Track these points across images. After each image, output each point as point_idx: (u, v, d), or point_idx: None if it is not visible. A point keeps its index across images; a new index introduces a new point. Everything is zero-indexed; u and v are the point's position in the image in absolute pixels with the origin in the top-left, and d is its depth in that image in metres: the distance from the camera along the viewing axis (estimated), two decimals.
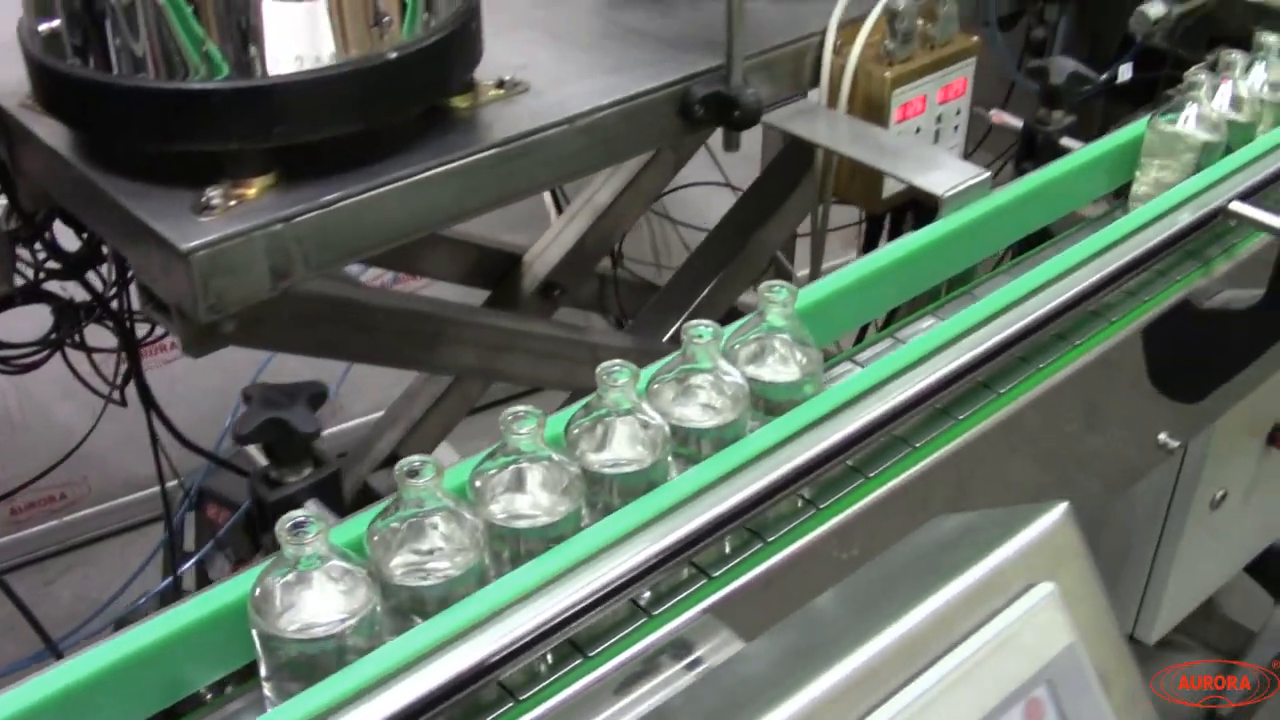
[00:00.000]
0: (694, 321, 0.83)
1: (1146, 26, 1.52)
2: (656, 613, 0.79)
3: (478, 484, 0.77)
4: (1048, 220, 1.28)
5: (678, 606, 0.80)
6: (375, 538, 0.73)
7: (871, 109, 1.38)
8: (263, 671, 0.72)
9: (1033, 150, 1.41)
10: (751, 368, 0.87)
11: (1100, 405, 1.29)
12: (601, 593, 0.71)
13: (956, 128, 1.47)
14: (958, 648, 0.78)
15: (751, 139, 1.46)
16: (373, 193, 1.10)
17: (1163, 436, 1.41)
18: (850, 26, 1.38)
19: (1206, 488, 2.11)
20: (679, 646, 0.79)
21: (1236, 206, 1.29)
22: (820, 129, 1.35)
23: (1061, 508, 0.90)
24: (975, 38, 1.44)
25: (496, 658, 0.68)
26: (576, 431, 0.80)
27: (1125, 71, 1.60)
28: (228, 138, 1.04)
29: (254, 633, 0.70)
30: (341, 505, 0.93)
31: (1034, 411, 1.14)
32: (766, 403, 0.87)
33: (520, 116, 1.21)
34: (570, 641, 0.75)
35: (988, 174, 1.24)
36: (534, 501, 0.76)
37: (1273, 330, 1.29)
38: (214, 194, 1.04)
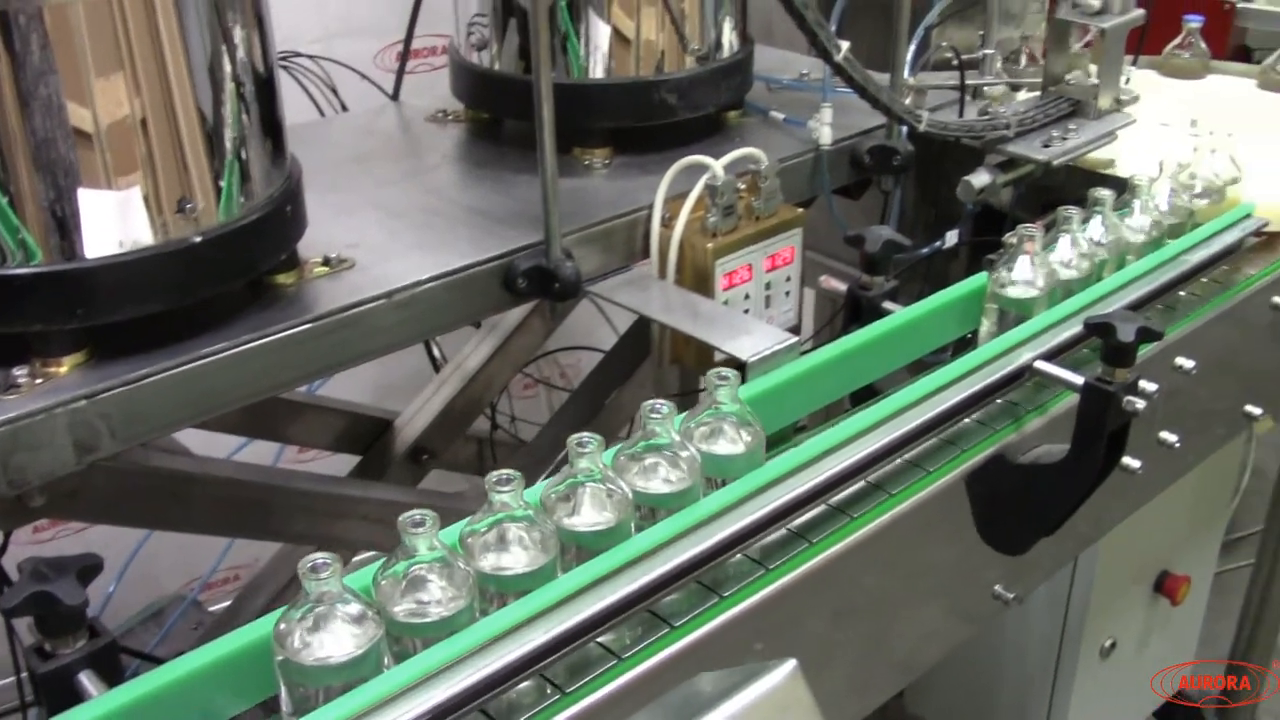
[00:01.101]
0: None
1: (972, 195, 1.60)
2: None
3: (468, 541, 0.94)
4: (854, 385, 1.34)
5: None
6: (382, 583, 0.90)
7: (698, 278, 1.44)
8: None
9: (858, 314, 1.47)
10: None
11: (928, 556, 1.32)
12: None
13: (788, 293, 1.53)
14: None
15: None
16: (185, 367, 1.15)
17: (998, 588, 1.44)
18: (676, 200, 1.46)
19: (1094, 637, 2.12)
20: None
21: (1040, 365, 1.35)
22: (643, 298, 1.40)
23: (789, 665, 0.93)
24: (800, 209, 1.51)
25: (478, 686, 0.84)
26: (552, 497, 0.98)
27: (952, 237, 1.67)
28: (31, 320, 1.08)
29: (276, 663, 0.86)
30: (119, 676, 0.94)
31: (857, 557, 1.17)
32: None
33: (341, 291, 1.27)
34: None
35: (794, 340, 1.30)
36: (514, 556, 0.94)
37: (1081, 483, 1.33)
38: (20, 373, 1.09)
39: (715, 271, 1.43)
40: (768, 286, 1.50)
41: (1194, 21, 2.23)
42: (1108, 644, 2.16)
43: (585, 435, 0.98)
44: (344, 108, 1.87)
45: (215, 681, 0.91)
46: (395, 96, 1.82)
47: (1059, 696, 2.18)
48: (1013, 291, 1.43)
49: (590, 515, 0.98)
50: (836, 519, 1.17)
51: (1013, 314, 1.45)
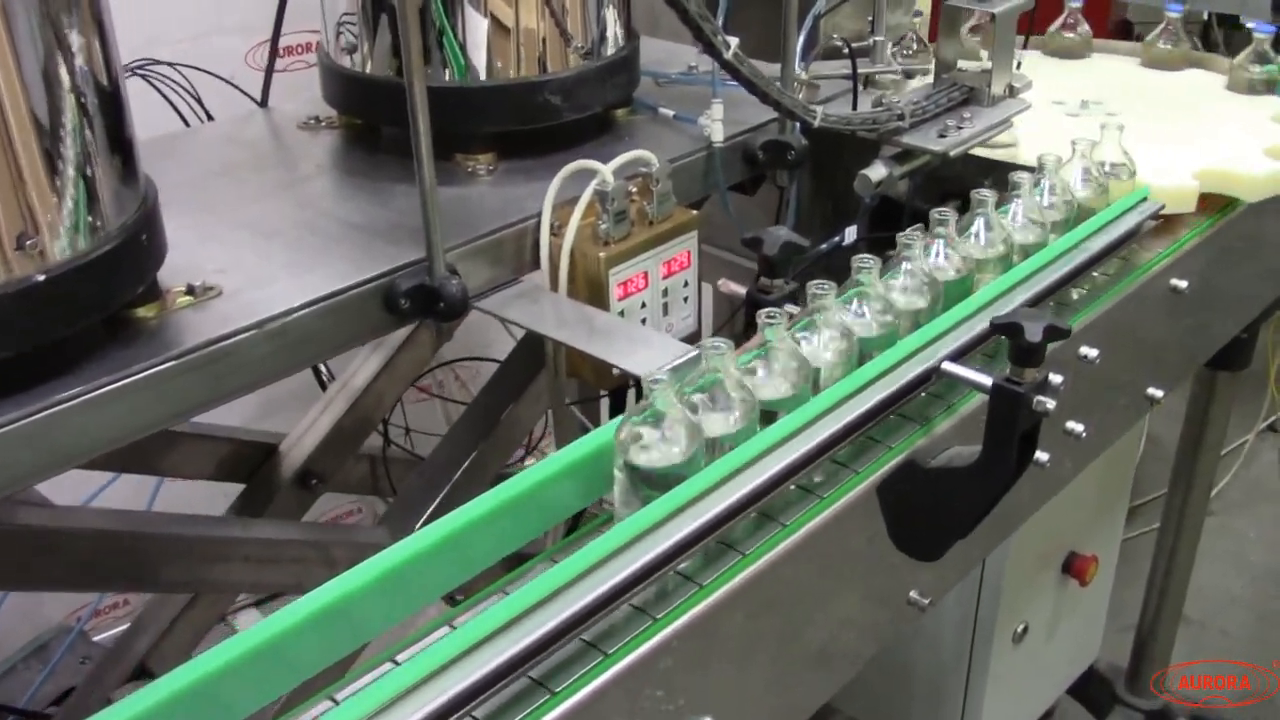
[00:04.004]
0: None
1: (869, 189, 1.56)
2: None
3: None
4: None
5: None
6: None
7: (592, 289, 1.37)
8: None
9: (755, 320, 1.41)
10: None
11: (843, 563, 1.28)
12: None
13: (686, 299, 1.47)
14: None
15: None
16: (35, 417, 1.05)
17: (914, 594, 1.41)
18: (565, 207, 1.39)
19: (1006, 621, 2.11)
20: None
21: (948, 366, 1.31)
22: (535, 313, 1.33)
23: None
24: (695, 212, 1.45)
25: None
26: None
27: (851, 234, 1.63)
28: None
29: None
30: None
31: (778, 570, 1.12)
32: None
33: (208, 323, 1.18)
34: None
35: (694, 351, 1.24)
36: None
37: (994, 486, 1.29)
38: None
39: (609, 281, 1.36)
40: (665, 293, 1.44)
41: (1075, 1, 2.22)
42: (1020, 629, 2.15)
43: None
44: (209, 116, 1.75)
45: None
46: (264, 103, 1.72)
47: (974, 683, 2.17)
48: (901, 301, 1.39)
49: None
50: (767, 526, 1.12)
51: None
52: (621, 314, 1.39)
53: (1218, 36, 2.12)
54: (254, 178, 1.49)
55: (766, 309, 1.22)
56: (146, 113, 1.71)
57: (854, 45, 1.78)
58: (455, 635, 0.87)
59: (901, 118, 1.57)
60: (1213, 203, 1.78)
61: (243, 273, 1.25)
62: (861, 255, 1.34)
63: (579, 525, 1.23)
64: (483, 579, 1.05)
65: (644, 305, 1.42)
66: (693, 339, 1.49)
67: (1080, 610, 2.33)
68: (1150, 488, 3.23)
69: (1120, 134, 1.68)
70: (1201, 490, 2.47)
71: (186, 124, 1.75)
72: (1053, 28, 2.27)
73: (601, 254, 1.35)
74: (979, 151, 1.75)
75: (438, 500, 1.57)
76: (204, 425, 1.72)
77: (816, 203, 1.77)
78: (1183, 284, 1.70)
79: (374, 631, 0.94)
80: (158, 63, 1.69)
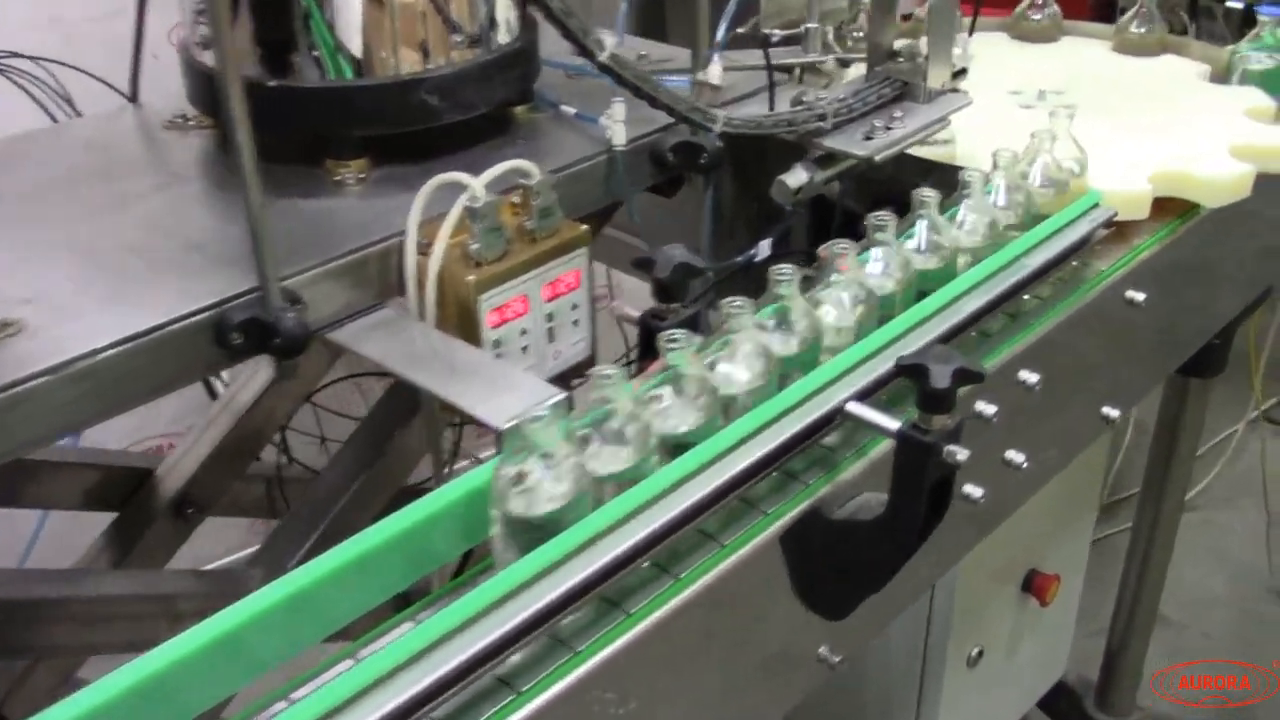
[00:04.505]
0: None
1: (788, 196, 1.41)
2: None
3: None
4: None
5: None
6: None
7: (462, 316, 1.23)
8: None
9: (651, 347, 1.27)
10: None
11: (743, 619, 1.14)
12: None
13: (576, 322, 1.33)
14: None
15: None
16: None
17: (823, 650, 1.27)
18: (434, 224, 1.24)
19: (960, 645, 1.98)
20: None
21: (853, 408, 1.16)
22: (391, 347, 1.19)
23: None
24: (584, 227, 1.31)
25: None
26: None
27: (765, 248, 1.48)
28: None
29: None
30: None
31: (671, 627, 1.00)
32: None
33: (3, 365, 1.04)
34: None
35: (561, 395, 1.10)
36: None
37: (904, 541, 1.15)
38: None
39: (480, 308, 1.22)
40: (550, 318, 1.30)
41: None
42: (975, 652, 2.02)
43: None
44: (77, 113, 1.61)
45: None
46: (134, 98, 1.57)
47: (926, 710, 2.05)
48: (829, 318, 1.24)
49: None
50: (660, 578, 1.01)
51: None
52: (497, 343, 1.25)
53: (1185, 20, 1.96)
54: (96, 187, 1.35)
55: (668, 332, 1.08)
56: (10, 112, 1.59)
57: (783, 32, 1.63)
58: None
59: (823, 118, 1.41)
60: (1175, 207, 1.63)
61: (53, 305, 1.11)
62: (780, 266, 1.20)
63: (465, 567, 1.11)
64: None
65: (524, 332, 1.27)
66: (585, 366, 1.35)
67: (1043, 628, 2.20)
68: (1135, 480, 3.09)
69: (1070, 123, 1.53)
70: (1175, 499, 2.33)
71: (55, 121, 1.61)
72: (1019, 8, 2.10)
73: (470, 278, 1.21)
74: (915, 150, 1.60)
75: (313, 538, 1.43)
76: (68, 450, 1.59)
77: (741, 206, 1.62)
78: (1139, 296, 1.55)
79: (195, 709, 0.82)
80: (18, 55, 1.54)
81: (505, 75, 1.41)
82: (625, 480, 1.04)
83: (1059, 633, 2.29)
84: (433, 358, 1.17)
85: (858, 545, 1.18)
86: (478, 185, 1.22)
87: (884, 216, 1.28)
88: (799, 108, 1.43)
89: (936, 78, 1.52)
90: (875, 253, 1.29)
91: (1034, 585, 2.09)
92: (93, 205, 1.31)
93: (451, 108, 1.36)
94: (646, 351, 1.31)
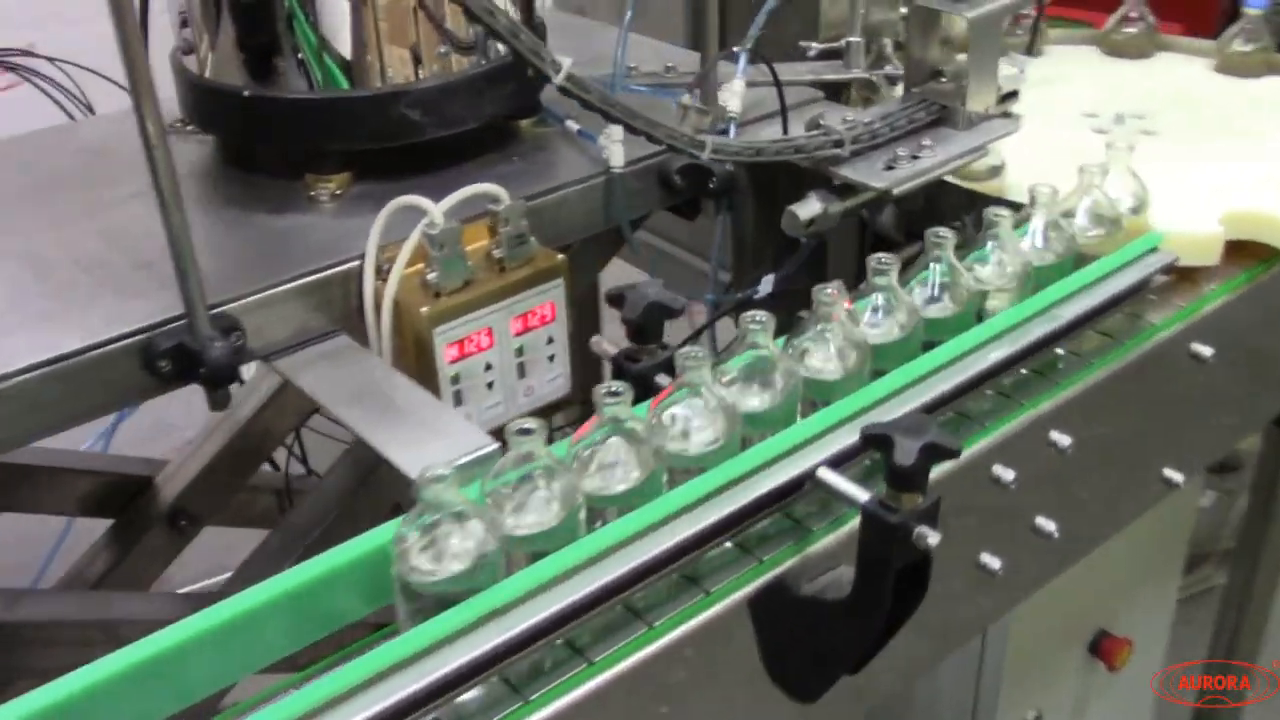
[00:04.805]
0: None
1: (799, 229, 1.29)
2: None
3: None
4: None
5: None
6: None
7: (419, 349, 1.15)
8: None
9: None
10: None
11: (706, 692, 1.04)
12: None
13: (552, 357, 1.23)
14: None
15: None
16: None
17: None
18: (397, 248, 1.16)
19: (1013, 704, 1.83)
20: None
21: (824, 475, 1.05)
22: (330, 379, 1.12)
23: None
24: (560, 256, 1.21)
25: None
26: None
27: (767, 284, 1.36)
28: None
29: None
30: None
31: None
32: None
33: None
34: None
35: (491, 447, 1.01)
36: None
37: (872, 627, 1.03)
38: None
39: (435, 341, 1.14)
40: (520, 352, 1.21)
41: None
42: (1032, 716, 1.87)
43: None
44: (90, 110, 1.58)
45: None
46: None
47: None
48: (814, 363, 1.13)
49: None
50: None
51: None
52: (456, 378, 1.16)
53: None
54: (73, 193, 1.31)
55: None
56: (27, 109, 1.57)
57: (820, 46, 1.51)
58: None
59: (840, 144, 1.29)
60: (1253, 252, 1.45)
61: None
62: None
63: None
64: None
65: (489, 368, 1.19)
66: (565, 404, 1.26)
67: (1113, 695, 2.02)
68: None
69: (1129, 155, 1.37)
70: (1271, 568, 2.12)
71: (72, 119, 1.58)
72: (1111, 21, 1.93)
73: (424, 309, 1.13)
74: (958, 180, 1.46)
75: (292, 561, 1.37)
76: (69, 454, 1.57)
77: (764, 233, 1.50)
78: (1206, 351, 1.39)
79: None
80: (33, 54, 1.52)
81: (499, 88, 1.32)
82: (546, 544, 0.95)
83: (1133, 702, 2.11)
84: (372, 394, 1.09)
85: (827, 625, 1.07)
86: (436, 211, 1.14)
87: (886, 259, 1.15)
88: (815, 132, 1.31)
89: (979, 101, 1.38)
90: (875, 299, 1.17)
91: (1102, 648, 1.93)
92: (61, 213, 1.27)
93: (435, 123, 1.27)
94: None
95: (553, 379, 1.24)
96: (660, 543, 0.97)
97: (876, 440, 0.98)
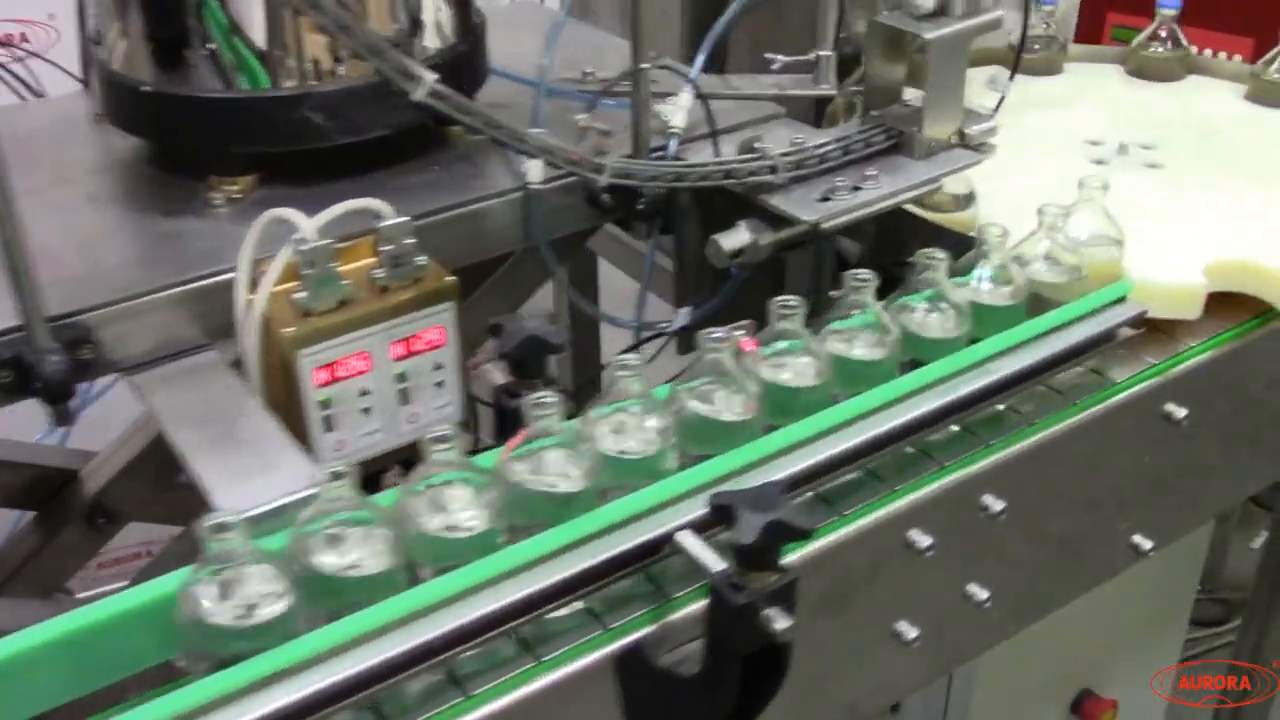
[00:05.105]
0: None
1: (722, 259, 1.19)
2: None
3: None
4: None
5: None
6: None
7: (285, 372, 1.08)
8: None
9: (505, 424, 1.10)
10: None
11: None
12: None
13: (441, 384, 1.16)
14: None
15: None
16: None
17: None
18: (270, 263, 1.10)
19: None
20: None
21: (683, 539, 0.95)
22: (180, 400, 1.05)
23: None
24: (451, 278, 1.13)
25: None
26: None
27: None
28: None
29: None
30: None
31: None
32: None
33: None
34: None
35: (305, 493, 0.93)
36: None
37: (721, 708, 0.94)
38: None
39: (301, 364, 1.07)
40: (402, 378, 1.13)
41: (1168, 8, 1.73)
42: None
43: None
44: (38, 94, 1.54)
45: None
46: (87, 83, 1.48)
47: None
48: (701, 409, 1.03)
49: None
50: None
51: None
52: (326, 403, 1.09)
53: None
54: None
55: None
56: None
57: (786, 59, 1.40)
58: None
59: (773, 170, 1.19)
60: (1252, 306, 1.32)
61: None
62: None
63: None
64: None
65: (365, 393, 1.11)
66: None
67: None
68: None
69: (1104, 194, 1.25)
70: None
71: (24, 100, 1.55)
72: (1140, 37, 1.78)
73: (289, 330, 1.06)
74: (920, 211, 1.35)
75: None
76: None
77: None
78: (1180, 412, 1.26)
79: None
80: None
81: None
82: (359, 597, 0.88)
83: None
84: (218, 418, 1.02)
85: (681, 702, 0.98)
86: (309, 226, 1.07)
87: (791, 301, 1.05)
88: (749, 155, 1.20)
89: (939, 128, 1.26)
90: (779, 344, 1.07)
91: (1084, 709, 1.81)
92: None
93: (341, 128, 1.20)
94: (504, 431, 1.13)
95: (441, 406, 1.17)
96: (486, 603, 0.89)
97: (720, 509, 0.89)
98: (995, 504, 1.14)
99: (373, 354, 1.11)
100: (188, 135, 1.21)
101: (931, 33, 1.20)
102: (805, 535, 0.87)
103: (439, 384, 1.16)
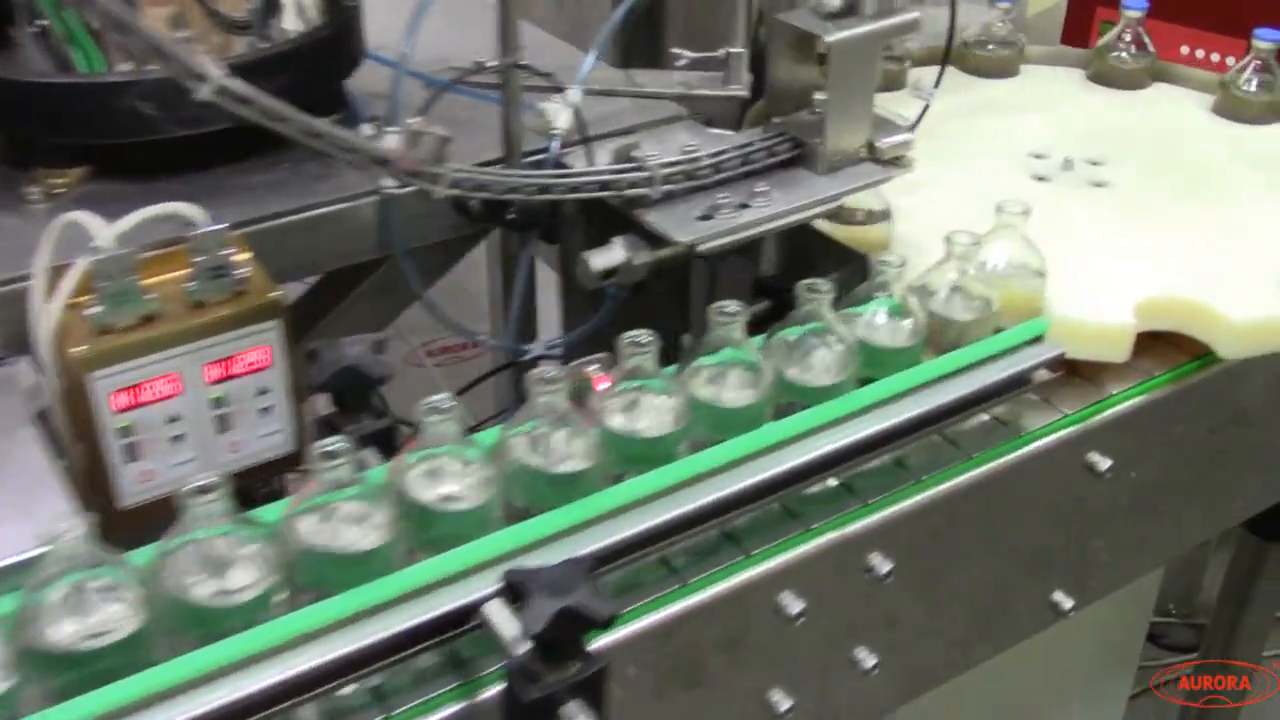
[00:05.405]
0: None
1: (591, 280, 1.07)
2: None
3: None
4: None
5: None
6: None
7: (78, 393, 0.96)
8: None
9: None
10: None
11: None
12: None
13: (267, 409, 1.04)
14: None
15: None
16: None
17: None
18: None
19: None
20: None
21: (490, 611, 0.84)
22: None
23: None
24: (277, 292, 1.01)
25: None
26: None
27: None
28: None
29: None
30: None
31: None
32: None
33: None
34: None
35: (42, 549, 0.82)
36: None
37: None
38: None
39: (94, 387, 0.95)
40: (219, 403, 1.01)
41: (1134, 9, 1.59)
42: None
43: None
44: None
45: None
46: None
47: None
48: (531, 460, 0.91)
49: None
50: None
51: None
52: (126, 429, 0.98)
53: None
54: None
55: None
56: None
57: (694, 55, 1.27)
58: None
59: (649, 182, 1.06)
60: (1193, 348, 1.19)
61: None
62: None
63: None
64: None
65: (174, 420, 1.00)
66: (288, 463, 1.06)
67: None
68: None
69: (1024, 221, 1.12)
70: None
71: None
72: (1102, 41, 1.65)
73: (79, 350, 0.94)
74: (826, 227, 1.22)
75: None
76: None
77: None
78: (1104, 463, 1.14)
79: None
80: None
81: (265, 82, 1.11)
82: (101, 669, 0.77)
83: None
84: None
85: None
86: (107, 234, 0.95)
87: (642, 338, 0.93)
88: (625, 165, 1.08)
89: (844, 140, 1.13)
90: (631, 393, 0.95)
91: None
92: None
93: (172, 120, 1.08)
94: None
95: (269, 434, 1.05)
96: (254, 681, 0.77)
97: (512, 588, 0.77)
98: (883, 564, 1.03)
99: (184, 376, 0.99)
100: (3, 122, 1.10)
101: (834, 34, 1.07)
102: (601, 625, 0.75)
103: (265, 410, 1.04)
